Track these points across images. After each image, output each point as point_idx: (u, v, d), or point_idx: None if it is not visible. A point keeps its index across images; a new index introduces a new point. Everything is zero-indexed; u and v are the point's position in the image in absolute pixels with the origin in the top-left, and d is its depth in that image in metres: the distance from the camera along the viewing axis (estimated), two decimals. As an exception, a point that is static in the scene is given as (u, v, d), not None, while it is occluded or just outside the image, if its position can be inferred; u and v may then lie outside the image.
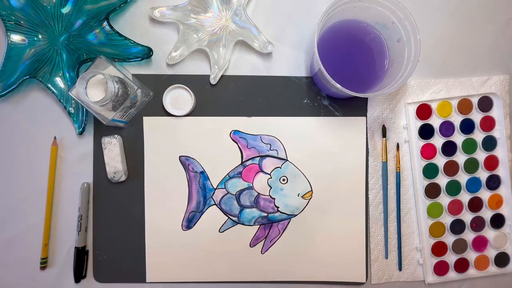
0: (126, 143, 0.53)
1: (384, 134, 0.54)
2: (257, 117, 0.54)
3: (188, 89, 0.52)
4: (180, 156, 0.53)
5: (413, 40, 0.45)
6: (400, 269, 0.54)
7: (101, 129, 0.53)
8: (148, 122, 0.53)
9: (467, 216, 0.54)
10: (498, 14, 0.55)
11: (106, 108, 0.47)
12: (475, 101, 0.54)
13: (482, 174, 0.54)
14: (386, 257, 0.54)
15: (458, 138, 0.54)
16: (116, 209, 0.53)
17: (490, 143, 0.54)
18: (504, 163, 0.54)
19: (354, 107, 0.54)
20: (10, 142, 0.53)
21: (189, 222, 0.53)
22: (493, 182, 0.54)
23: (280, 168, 0.53)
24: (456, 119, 0.54)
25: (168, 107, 0.53)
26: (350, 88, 0.44)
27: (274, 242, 0.54)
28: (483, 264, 0.55)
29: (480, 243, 0.54)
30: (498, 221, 0.55)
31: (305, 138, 0.54)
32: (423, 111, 0.54)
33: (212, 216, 0.53)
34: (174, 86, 0.52)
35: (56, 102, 0.53)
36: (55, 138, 0.53)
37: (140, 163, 0.53)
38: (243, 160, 0.53)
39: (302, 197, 0.53)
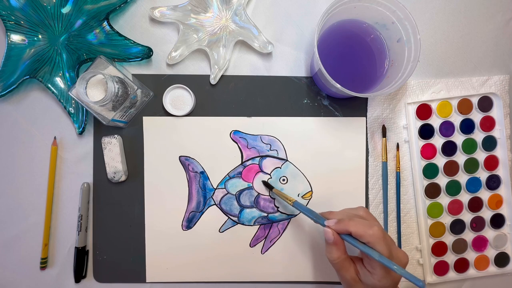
0: (126, 143, 0.53)
1: (384, 134, 0.54)
2: (257, 117, 0.54)
3: (188, 89, 0.52)
4: (180, 156, 0.53)
5: (413, 40, 0.45)
6: (400, 269, 0.54)
7: (101, 129, 0.53)
8: (148, 122, 0.53)
9: (467, 216, 0.54)
10: (498, 14, 0.55)
11: (106, 108, 0.47)
12: (475, 101, 0.54)
13: (482, 174, 0.54)
14: (386, 257, 0.54)
15: (458, 138, 0.54)
16: (116, 209, 0.53)
17: (490, 143, 0.54)
18: (504, 163, 0.54)
19: (354, 107, 0.54)
20: (10, 142, 0.53)
21: (189, 222, 0.53)
22: (493, 182, 0.54)
23: (280, 168, 0.53)
24: (456, 119, 0.54)
25: (168, 107, 0.53)
26: (350, 88, 0.44)
27: (274, 242, 0.54)
28: (483, 264, 0.55)
29: (480, 243, 0.55)
30: (498, 221, 0.55)
31: (305, 138, 0.54)
32: (423, 111, 0.54)
33: (212, 216, 0.53)
34: (174, 86, 0.52)
35: (56, 102, 0.53)
36: (55, 138, 0.53)
37: (140, 163, 0.53)
38: (243, 160, 0.53)
39: (302, 197, 0.53)
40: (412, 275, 0.36)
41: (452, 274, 0.54)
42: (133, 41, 0.51)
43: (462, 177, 0.54)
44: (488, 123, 0.54)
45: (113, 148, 0.51)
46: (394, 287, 0.40)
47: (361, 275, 0.41)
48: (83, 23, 0.51)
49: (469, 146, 0.54)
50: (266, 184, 0.53)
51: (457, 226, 0.54)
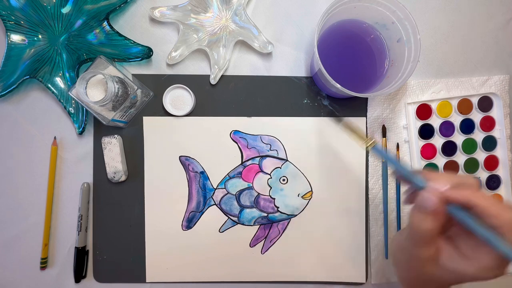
0: (126, 143, 0.53)
1: (384, 134, 0.54)
2: (257, 117, 0.54)
3: (188, 89, 0.52)
4: (180, 156, 0.53)
5: (413, 40, 0.45)
6: (400, 269, 0.54)
7: (101, 129, 0.53)
8: (148, 122, 0.53)
9: (467, 216, 0.54)
10: (498, 14, 0.55)
11: (106, 108, 0.47)
12: (475, 101, 0.54)
13: (482, 174, 0.54)
14: (386, 257, 0.54)
15: (458, 138, 0.54)
16: (116, 209, 0.53)
17: (490, 143, 0.54)
18: (504, 163, 0.54)
19: (354, 107, 0.54)
20: (10, 142, 0.53)
21: (189, 222, 0.53)
22: (493, 182, 0.54)
23: (280, 168, 0.53)
24: (456, 119, 0.54)
25: (168, 107, 0.53)
26: (350, 88, 0.44)
27: (274, 242, 0.54)
28: (483, 264, 0.55)
29: (480, 243, 0.54)
30: (498, 221, 0.55)
31: (305, 138, 0.54)
32: (423, 111, 0.54)
33: (212, 216, 0.53)
34: (174, 86, 0.52)
35: (56, 102, 0.53)
36: (55, 138, 0.53)
37: (140, 163, 0.53)
38: (243, 160, 0.53)
39: (302, 197, 0.53)
40: None
41: (452, 274, 0.54)
42: (133, 41, 0.51)
43: (462, 177, 0.54)
44: (488, 123, 0.54)
45: (113, 148, 0.51)
46: (489, 279, 0.32)
47: (445, 257, 0.33)
48: (83, 23, 0.51)
49: (469, 146, 0.54)
50: (336, 119, 0.46)
51: (457, 226, 0.54)
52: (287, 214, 0.54)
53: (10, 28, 0.50)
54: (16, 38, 0.51)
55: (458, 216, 0.32)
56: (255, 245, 0.54)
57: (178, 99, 0.53)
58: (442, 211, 0.32)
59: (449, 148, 0.54)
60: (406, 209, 0.54)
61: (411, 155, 0.54)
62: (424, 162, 0.54)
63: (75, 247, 0.52)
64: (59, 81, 0.51)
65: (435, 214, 0.32)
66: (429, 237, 0.32)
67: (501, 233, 0.29)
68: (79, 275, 0.52)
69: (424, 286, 0.33)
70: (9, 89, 0.50)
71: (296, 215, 0.54)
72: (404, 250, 0.34)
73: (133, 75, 0.52)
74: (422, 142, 0.54)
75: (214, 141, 0.53)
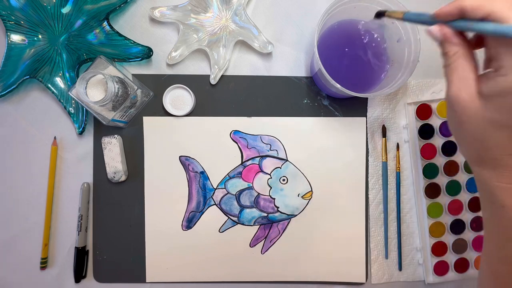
0: (126, 143, 0.53)
1: (384, 134, 0.54)
2: (257, 117, 0.54)
3: (188, 89, 0.52)
4: (180, 156, 0.53)
5: (413, 40, 0.45)
6: (400, 269, 0.54)
7: (101, 129, 0.53)
8: (148, 122, 0.53)
9: (467, 216, 0.54)
10: (498, 14, 0.55)
11: (106, 108, 0.47)
12: (475, 101, 0.54)
13: (482, 174, 0.54)
14: (386, 257, 0.54)
15: (458, 138, 0.54)
16: (116, 209, 0.53)
17: (490, 143, 0.54)
18: (504, 163, 0.54)
19: (354, 107, 0.54)
20: (10, 142, 0.53)
21: (189, 222, 0.53)
22: (493, 182, 0.54)
23: (280, 168, 0.53)
24: (456, 119, 0.54)
25: (168, 107, 0.53)
26: (350, 88, 0.44)
27: (274, 242, 0.54)
28: (483, 264, 0.55)
29: (480, 243, 0.54)
30: (498, 221, 0.55)
31: (305, 138, 0.54)
32: (423, 111, 0.54)
33: (212, 216, 0.53)
34: (174, 86, 0.52)
35: (56, 102, 0.53)
36: (55, 138, 0.53)
37: (140, 163, 0.53)
38: (243, 160, 0.53)
39: (302, 197, 0.53)
40: None
41: (452, 274, 0.54)
42: (133, 41, 0.51)
43: (462, 177, 0.54)
44: (488, 123, 0.54)
45: (113, 148, 0.51)
46: None
47: (482, 86, 0.30)
48: (83, 23, 0.51)
49: (469, 146, 0.54)
50: (378, 14, 0.46)
51: (457, 226, 0.54)
52: (287, 214, 0.54)
53: (10, 28, 0.50)
54: (16, 38, 0.51)
55: (463, 27, 0.30)
56: (255, 245, 0.54)
57: (178, 99, 0.53)
58: (449, 32, 0.31)
59: (449, 148, 0.54)
60: (405, 208, 0.54)
61: (411, 155, 0.54)
62: (424, 162, 0.54)
63: (75, 247, 0.52)
64: (59, 81, 0.51)
65: (446, 38, 0.31)
66: (457, 60, 0.31)
67: (498, 19, 0.27)
68: (79, 275, 0.52)
69: (491, 131, 0.30)
70: (9, 89, 0.50)
71: (296, 215, 0.54)
72: (450, 97, 0.32)
73: (133, 75, 0.52)
74: (422, 142, 0.54)
75: (214, 141, 0.53)
